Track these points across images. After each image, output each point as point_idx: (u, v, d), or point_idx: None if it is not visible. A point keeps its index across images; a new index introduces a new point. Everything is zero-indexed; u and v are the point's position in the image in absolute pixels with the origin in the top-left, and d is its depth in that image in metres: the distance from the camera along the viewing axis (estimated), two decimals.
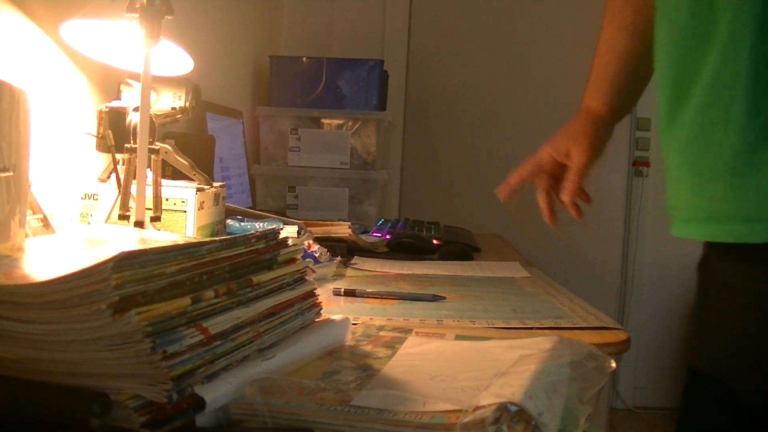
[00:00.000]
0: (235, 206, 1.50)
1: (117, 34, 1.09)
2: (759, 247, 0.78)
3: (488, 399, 0.48)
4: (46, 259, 0.67)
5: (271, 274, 0.63)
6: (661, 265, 3.24)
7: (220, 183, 1.29)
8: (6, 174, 0.76)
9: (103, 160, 1.28)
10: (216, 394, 0.51)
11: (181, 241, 0.66)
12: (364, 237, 1.60)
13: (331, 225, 1.52)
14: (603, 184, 3.13)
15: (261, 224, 1.36)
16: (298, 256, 0.69)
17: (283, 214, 1.99)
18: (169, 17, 1.04)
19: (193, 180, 1.22)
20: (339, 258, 1.33)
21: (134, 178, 1.06)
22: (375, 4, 2.89)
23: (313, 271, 1.11)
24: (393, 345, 0.70)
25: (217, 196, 1.26)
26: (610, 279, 3.13)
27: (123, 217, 1.07)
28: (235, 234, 0.64)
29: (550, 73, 3.12)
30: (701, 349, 0.92)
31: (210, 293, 0.54)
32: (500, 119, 3.15)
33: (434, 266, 1.41)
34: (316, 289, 0.70)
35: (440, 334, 0.75)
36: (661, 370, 3.25)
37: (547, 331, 0.85)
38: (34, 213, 0.92)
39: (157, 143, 1.13)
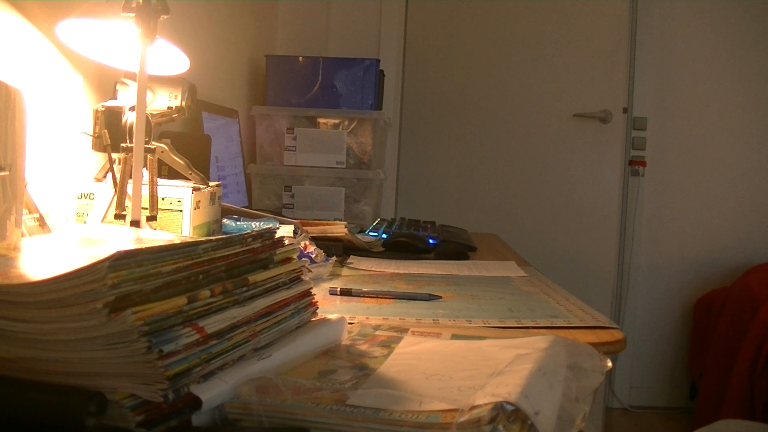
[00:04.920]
0: (231, 205, 1.50)
1: (113, 34, 1.09)
2: None
3: (484, 398, 0.48)
4: (42, 258, 0.67)
5: (267, 274, 0.63)
6: (657, 265, 3.25)
7: (216, 182, 1.29)
8: (2, 173, 0.76)
9: (99, 159, 1.28)
10: (212, 393, 0.51)
11: (177, 241, 0.66)
12: (360, 236, 1.60)
13: (327, 224, 1.52)
14: (599, 184, 3.13)
15: (257, 223, 1.35)
16: (294, 256, 0.69)
17: (279, 213, 1.99)
18: (165, 17, 1.04)
19: (189, 179, 1.22)
20: (335, 257, 1.33)
21: (130, 177, 1.06)
22: (371, 3, 2.89)
23: (310, 271, 1.11)
24: (389, 344, 0.70)
25: (213, 195, 1.26)
26: (606, 278, 3.14)
27: (119, 216, 1.07)
28: (231, 233, 0.64)
29: (545, 72, 3.12)
30: None
31: (206, 292, 0.54)
32: (496, 119, 3.15)
33: (430, 265, 1.41)
34: (312, 288, 0.70)
35: (436, 334, 0.75)
36: (658, 369, 3.26)
37: (543, 331, 0.85)
38: (30, 212, 0.92)
39: (153, 143, 1.13)
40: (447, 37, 3.14)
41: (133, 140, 1.06)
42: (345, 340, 0.71)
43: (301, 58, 2.35)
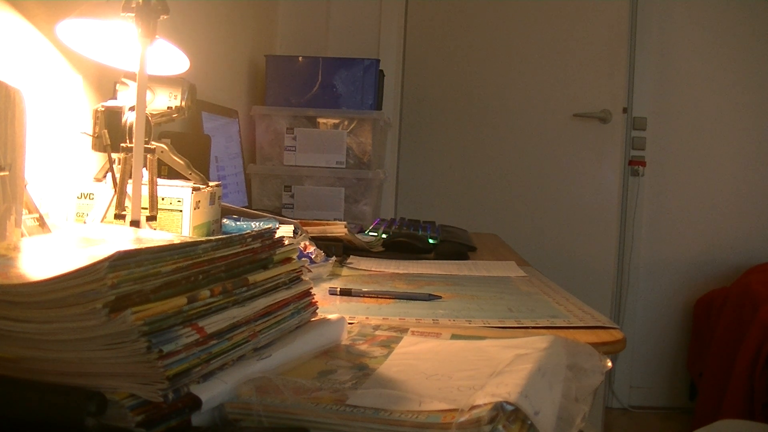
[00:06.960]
0: (231, 205, 1.50)
1: (113, 34, 1.09)
2: None
3: (484, 398, 0.48)
4: (41, 258, 0.67)
5: (267, 274, 0.63)
6: (657, 265, 3.25)
7: (216, 182, 1.29)
8: (2, 173, 0.76)
9: (99, 159, 1.28)
10: (212, 393, 0.51)
11: (176, 241, 0.66)
12: (359, 236, 1.60)
13: (327, 224, 1.52)
14: (599, 184, 3.13)
15: (257, 223, 1.35)
16: (294, 256, 0.69)
17: (279, 213, 1.99)
18: (165, 17, 1.04)
19: (189, 179, 1.22)
20: (335, 257, 1.33)
21: (130, 177, 1.06)
22: (371, 3, 2.89)
23: (309, 271, 1.11)
24: (389, 344, 0.70)
25: (212, 195, 1.26)
26: (605, 278, 3.14)
27: (119, 216, 1.07)
28: (230, 233, 0.64)
29: (545, 72, 3.12)
30: None
31: (206, 292, 0.54)
32: (496, 119, 3.15)
33: (430, 265, 1.41)
34: (311, 288, 0.70)
35: (436, 334, 0.75)
36: (657, 369, 3.26)
37: (542, 331, 0.85)
38: (29, 212, 0.92)
39: (153, 143, 1.13)
40: (447, 37, 3.14)
41: (133, 140, 1.06)
42: (345, 340, 0.71)
43: (300, 58, 2.35)
